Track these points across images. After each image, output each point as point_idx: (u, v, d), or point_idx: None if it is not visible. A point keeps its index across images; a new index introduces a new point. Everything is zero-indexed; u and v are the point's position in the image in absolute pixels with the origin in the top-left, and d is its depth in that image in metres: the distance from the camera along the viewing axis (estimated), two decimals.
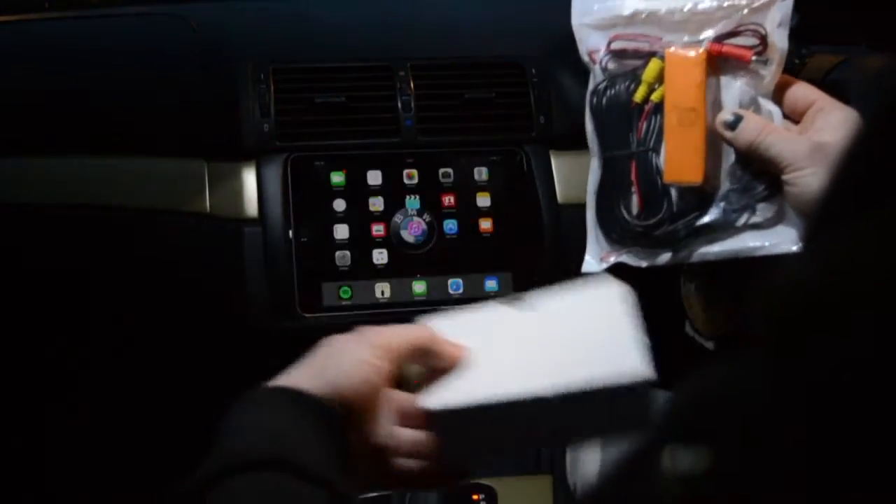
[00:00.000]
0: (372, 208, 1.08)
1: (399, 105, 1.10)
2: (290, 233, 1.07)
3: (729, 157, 0.64)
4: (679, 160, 0.62)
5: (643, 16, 0.66)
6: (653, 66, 0.65)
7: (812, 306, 0.23)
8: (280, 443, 0.51)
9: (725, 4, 0.65)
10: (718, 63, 0.64)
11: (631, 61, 0.66)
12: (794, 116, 0.65)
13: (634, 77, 0.65)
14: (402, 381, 0.58)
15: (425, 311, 1.08)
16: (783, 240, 0.62)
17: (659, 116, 0.64)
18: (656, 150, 0.63)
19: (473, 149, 1.12)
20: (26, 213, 1.13)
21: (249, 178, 1.09)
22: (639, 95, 0.65)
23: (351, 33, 1.17)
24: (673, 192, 0.63)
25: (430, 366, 0.57)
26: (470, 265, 1.08)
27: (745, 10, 0.64)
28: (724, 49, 0.64)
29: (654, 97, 0.64)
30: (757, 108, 0.64)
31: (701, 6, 0.65)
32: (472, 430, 0.55)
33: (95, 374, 1.34)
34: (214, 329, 1.17)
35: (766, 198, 0.62)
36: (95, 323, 1.25)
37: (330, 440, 0.52)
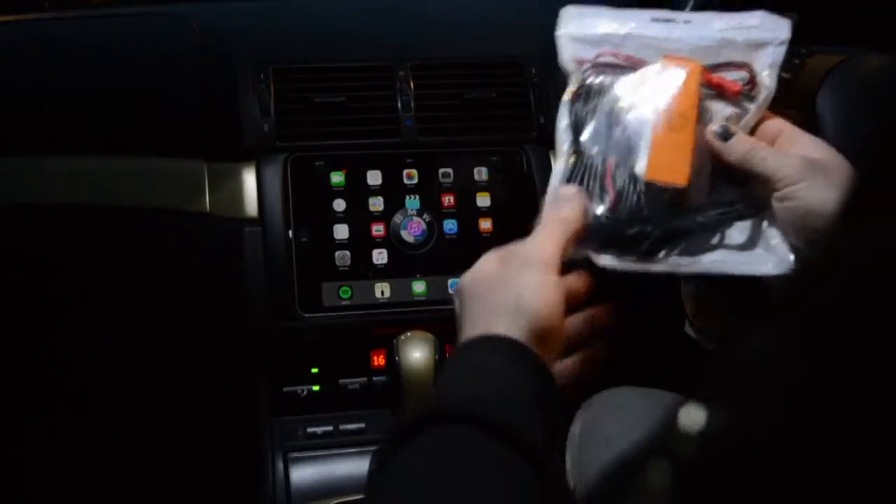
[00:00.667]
0: (372, 208, 1.08)
1: (399, 105, 1.10)
2: (290, 233, 1.07)
3: (708, 173, 0.63)
4: (663, 160, 0.61)
5: (636, 40, 0.66)
6: (641, 73, 0.65)
7: (848, 285, 0.24)
8: (501, 404, 0.50)
9: (720, 37, 0.65)
10: (706, 90, 0.64)
11: (612, 76, 0.66)
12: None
13: (609, 87, 0.65)
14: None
15: (425, 311, 1.09)
16: (762, 263, 0.60)
17: (641, 120, 0.63)
18: (635, 152, 0.63)
19: (473, 149, 1.12)
20: (26, 213, 1.13)
21: (249, 178, 1.09)
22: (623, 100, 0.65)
23: (351, 33, 1.17)
24: (649, 196, 0.62)
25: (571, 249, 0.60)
26: (470, 265, 1.07)
27: (740, 47, 0.64)
28: (715, 79, 0.64)
29: (639, 101, 0.64)
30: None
31: (696, 38, 0.65)
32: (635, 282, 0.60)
33: (95, 374, 1.34)
34: (214, 329, 1.17)
35: (743, 216, 0.61)
36: (95, 322, 1.25)
37: (545, 403, 0.53)
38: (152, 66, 1.12)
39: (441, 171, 1.11)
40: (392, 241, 1.08)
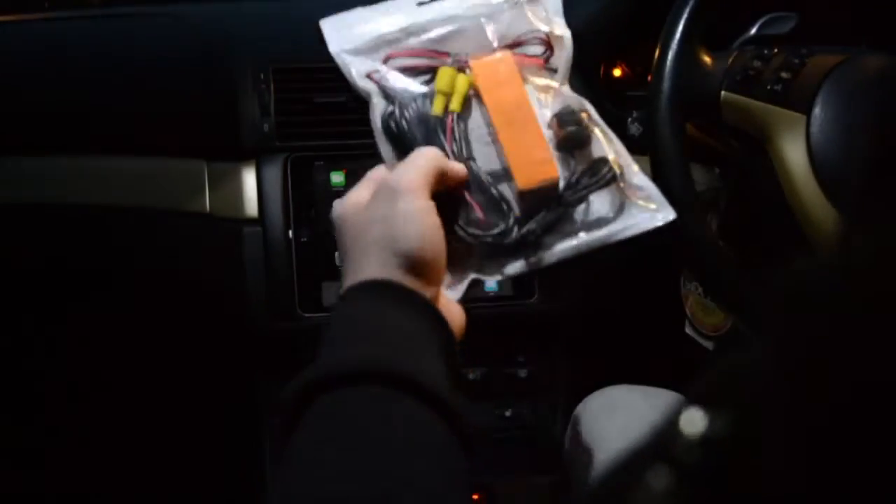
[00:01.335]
0: None
1: None
2: (290, 233, 1.07)
3: (556, 150, 0.60)
4: (526, 164, 0.58)
5: (411, 31, 0.62)
6: (443, 75, 0.60)
7: (826, 302, 0.24)
8: (395, 351, 0.47)
9: (496, 1, 0.62)
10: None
11: (413, 78, 0.62)
12: None
13: (422, 94, 0.61)
14: None
15: None
16: (646, 218, 0.58)
17: (463, 125, 0.60)
18: (473, 158, 0.59)
19: None
20: (26, 213, 1.13)
21: (249, 178, 1.09)
22: (437, 108, 0.60)
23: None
24: (511, 196, 0.59)
25: (444, 180, 0.56)
26: None
27: (520, 4, 0.62)
28: (516, 59, 0.61)
29: (454, 107, 0.60)
30: (565, 98, 0.62)
31: (474, 5, 0.62)
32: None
33: (95, 374, 1.34)
34: (214, 328, 1.17)
35: (610, 180, 0.58)
36: (95, 322, 1.25)
37: (442, 347, 0.51)
38: (152, 66, 1.12)
39: None
40: None
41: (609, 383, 0.92)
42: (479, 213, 0.58)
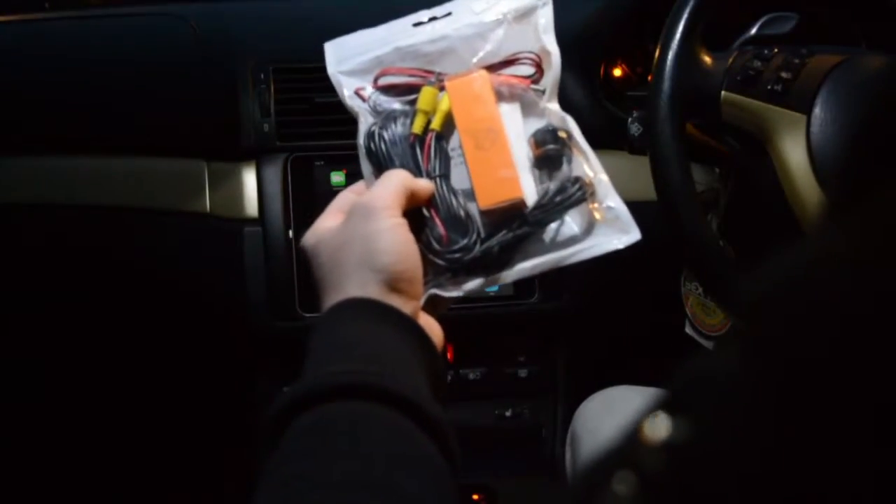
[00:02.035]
0: None
1: None
2: (290, 233, 1.07)
3: (529, 170, 0.61)
4: (490, 183, 0.59)
5: (405, 52, 0.63)
6: (426, 94, 0.61)
7: (787, 302, 0.24)
8: (375, 366, 0.47)
9: (487, 20, 0.62)
10: (496, 87, 0.62)
11: (401, 97, 0.63)
12: None
13: (405, 112, 0.62)
14: None
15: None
16: (609, 240, 0.58)
17: (443, 143, 0.61)
18: (446, 176, 0.60)
19: None
20: (26, 213, 1.13)
21: (249, 178, 1.09)
22: (417, 126, 0.61)
23: (351, 33, 1.17)
24: (477, 215, 0.60)
25: (414, 200, 0.58)
26: None
27: (510, 21, 0.62)
28: (502, 80, 0.62)
29: (434, 125, 0.61)
30: (549, 116, 0.62)
31: (464, 28, 0.62)
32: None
33: (95, 373, 1.34)
34: (214, 328, 1.17)
35: (578, 201, 0.59)
36: (96, 322, 1.25)
37: (423, 362, 0.51)
38: (152, 66, 1.12)
39: None
40: None
41: (609, 383, 0.92)
42: (441, 229, 0.59)
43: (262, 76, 1.09)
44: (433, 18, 0.64)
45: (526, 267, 0.59)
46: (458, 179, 0.61)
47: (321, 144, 1.09)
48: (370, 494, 0.40)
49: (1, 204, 1.13)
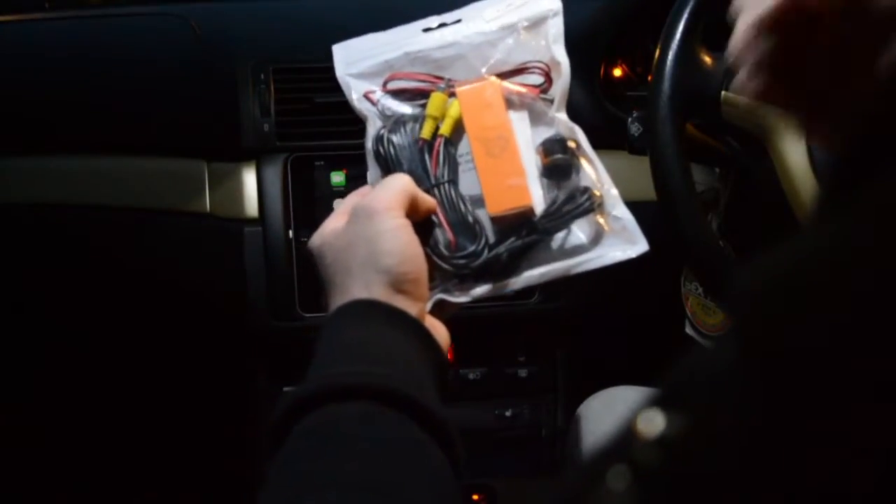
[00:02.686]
0: None
1: None
2: (290, 233, 1.07)
3: (538, 178, 0.61)
4: (499, 189, 0.59)
5: (414, 57, 0.63)
6: (435, 100, 0.61)
7: (781, 292, 0.24)
8: (381, 368, 0.48)
9: (496, 26, 0.62)
10: (506, 95, 0.62)
11: (410, 102, 0.63)
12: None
13: (414, 117, 0.62)
14: None
15: None
16: (616, 250, 0.59)
17: (451, 148, 0.61)
18: (454, 182, 0.61)
19: None
20: (26, 213, 1.13)
21: (249, 178, 1.09)
22: (426, 132, 0.61)
23: (351, 33, 1.17)
24: (485, 221, 0.60)
25: (415, 208, 0.58)
26: None
27: (519, 29, 0.62)
28: (512, 88, 0.62)
29: (443, 131, 0.61)
30: (558, 126, 0.62)
31: (473, 35, 0.62)
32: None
33: (94, 374, 1.34)
34: (215, 328, 1.17)
35: (586, 210, 0.59)
36: (95, 322, 1.25)
37: (429, 364, 0.51)
38: (152, 66, 1.12)
39: None
40: None
41: (609, 383, 0.92)
42: (450, 235, 0.59)
43: (262, 76, 1.09)
44: (443, 24, 0.64)
45: (534, 275, 0.60)
46: (467, 185, 0.61)
47: (321, 144, 1.09)
48: (373, 496, 0.40)
49: (1, 204, 1.13)
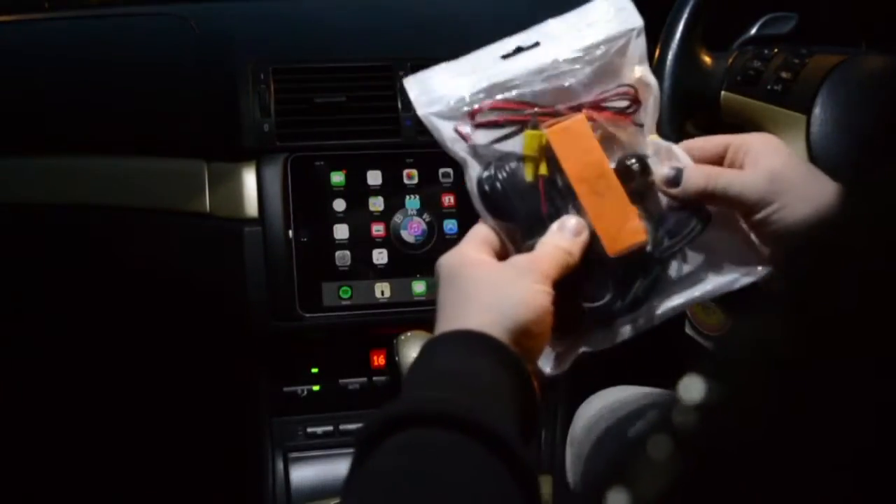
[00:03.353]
0: (372, 208, 1.09)
1: (399, 105, 1.10)
2: (290, 233, 1.07)
3: (646, 210, 0.60)
4: (613, 229, 0.58)
5: (495, 90, 0.60)
6: (529, 140, 0.59)
7: (822, 263, 0.25)
8: (475, 400, 0.48)
9: (580, 51, 0.60)
10: (599, 123, 0.61)
11: (499, 132, 0.61)
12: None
13: (513, 156, 0.60)
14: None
15: (425, 311, 1.09)
16: (733, 276, 0.59)
17: (554, 189, 0.60)
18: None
19: None
20: (26, 213, 1.13)
21: (249, 178, 1.09)
22: (529, 174, 0.59)
23: (351, 33, 1.17)
24: (610, 261, 0.59)
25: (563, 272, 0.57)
26: None
27: (606, 53, 0.60)
28: (603, 118, 0.60)
29: (542, 171, 0.59)
30: (659, 151, 0.61)
31: (555, 59, 0.60)
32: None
33: (95, 374, 1.34)
34: (214, 328, 1.17)
35: (696, 236, 0.59)
36: (95, 322, 1.25)
37: (520, 406, 0.51)
38: (152, 66, 1.12)
39: (441, 171, 1.10)
40: (392, 241, 1.08)
41: (609, 383, 0.92)
42: (589, 283, 0.59)
43: (262, 76, 1.09)
44: (519, 48, 0.62)
45: (669, 307, 0.60)
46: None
47: (321, 144, 1.09)
48: None
49: (1, 204, 1.13)
